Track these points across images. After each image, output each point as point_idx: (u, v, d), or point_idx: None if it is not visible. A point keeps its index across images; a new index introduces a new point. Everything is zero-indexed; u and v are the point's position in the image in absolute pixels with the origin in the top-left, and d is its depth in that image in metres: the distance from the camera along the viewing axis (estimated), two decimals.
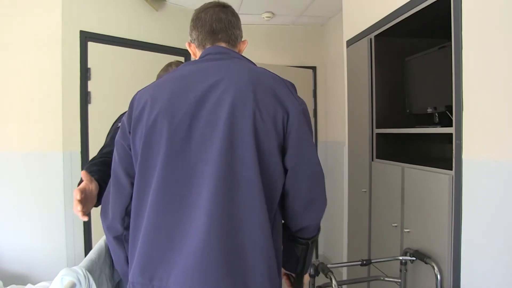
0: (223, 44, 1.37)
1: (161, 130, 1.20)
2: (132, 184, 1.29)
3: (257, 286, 1.18)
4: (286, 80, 1.31)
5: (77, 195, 1.34)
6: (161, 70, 2.12)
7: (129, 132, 1.27)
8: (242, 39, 1.46)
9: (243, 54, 1.43)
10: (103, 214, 1.38)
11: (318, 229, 1.41)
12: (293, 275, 1.50)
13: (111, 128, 1.94)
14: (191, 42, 1.43)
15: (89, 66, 3.20)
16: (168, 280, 1.19)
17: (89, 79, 3.20)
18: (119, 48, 3.40)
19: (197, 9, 1.42)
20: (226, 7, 1.41)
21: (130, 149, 1.28)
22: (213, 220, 1.15)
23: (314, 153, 1.29)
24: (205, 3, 1.42)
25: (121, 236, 1.36)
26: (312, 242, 1.40)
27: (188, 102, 1.21)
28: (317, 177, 1.30)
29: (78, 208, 1.32)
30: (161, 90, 1.26)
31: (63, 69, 3.04)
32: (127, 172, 1.30)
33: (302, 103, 1.28)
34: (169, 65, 2.09)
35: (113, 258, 1.47)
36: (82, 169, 3.01)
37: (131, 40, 3.48)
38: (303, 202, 1.30)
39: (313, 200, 1.31)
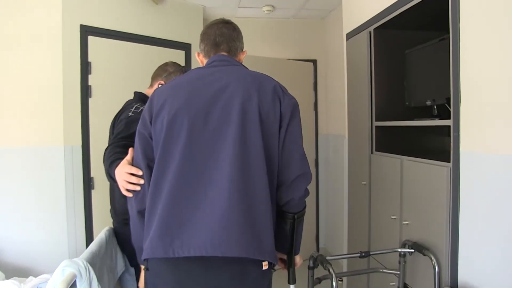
0: (224, 53, 1.65)
1: (182, 121, 1.46)
2: (147, 165, 1.53)
3: (268, 243, 1.45)
4: (277, 81, 1.61)
5: (138, 171, 1.54)
6: (159, 69, 2.34)
7: (150, 123, 1.52)
8: (243, 50, 1.73)
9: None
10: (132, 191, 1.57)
11: (303, 206, 1.63)
12: (285, 257, 1.70)
13: (120, 117, 2.13)
14: (200, 52, 1.71)
15: (89, 60, 3.20)
16: (191, 240, 1.39)
17: (90, 73, 3.21)
18: (120, 42, 3.40)
19: (205, 25, 1.72)
20: (228, 23, 1.69)
21: (150, 136, 1.53)
22: (233, 185, 1.41)
23: (300, 136, 1.58)
24: (212, 20, 1.73)
25: (144, 211, 1.52)
26: (297, 217, 1.60)
27: (204, 99, 1.49)
28: (303, 154, 1.57)
29: (141, 182, 1.53)
30: (179, 89, 1.54)
31: (64, 63, 3.06)
32: (145, 154, 1.53)
33: (292, 98, 1.58)
34: (166, 64, 2.35)
35: (133, 234, 1.61)
36: (83, 162, 3.02)
37: (132, 34, 3.48)
38: (293, 175, 1.54)
39: (301, 174, 1.55)
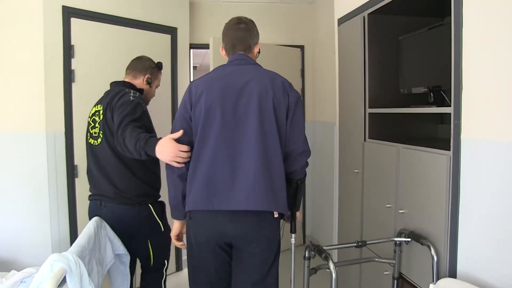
0: (241, 52, 2.08)
1: (216, 109, 1.91)
2: (187, 141, 1.96)
3: (282, 199, 1.95)
4: (284, 77, 2.04)
5: (185, 148, 1.94)
6: (141, 62, 2.63)
7: (191, 109, 1.96)
8: (256, 44, 2.12)
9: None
10: None
11: (304, 174, 2.13)
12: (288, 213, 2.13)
13: (118, 101, 2.31)
14: (223, 48, 2.14)
15: (72, 43, 3.05)
16: (228, 198, 1.87)
17: (73, 57, 3.06)
18: (104, 25, 3.25)
19: (225, 24, 2.13)
20: (243, 23, 2.10)
21: (190, 119, 1.96)
22: (258, 157, 1.88)
23: (303, 122, 2.07)
24: (230, 20, 2.14)
25: (183, 175, 1.98)
26: (300, 182, 2.10)
27: (232, 92, 1.94)
28: (305, 135, 2.05)
29: (189, 154, 1.96)
30: (213, 83, 1.97)
31: (45, 46, 2.91)
32: (185, 133, 1.96)
33: (296, 92, 2.03)
34: (147, 59, 2.69)
35: (171, 194, 2.03)
36: (67, 150, 2.89)
37: (117, 16, 3.33)
38: (296, 151, 2.01)
39: (303, 151, 2.04)
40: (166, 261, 2.64)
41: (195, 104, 1.94)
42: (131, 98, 2.30)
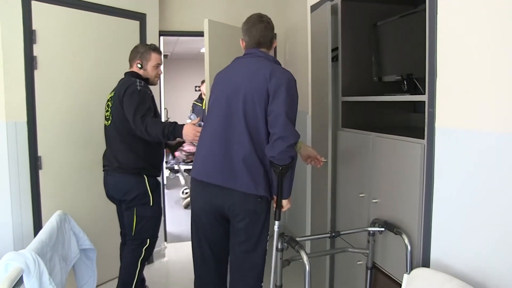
0: (256, 47, 2.28)
1: (215, 96, 2.28)
2: None
3: (243, 180, 2.11)
4: (274, 67, 2.18)
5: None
6: (132, 52, 2.90)
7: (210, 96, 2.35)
8: (274, 40, 2.35)
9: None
10: None
11: (288, 161, 2.08)
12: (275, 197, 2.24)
13: (126, 91, 2.67)
14: (244, 41, 2.35)
15: (34, 28, 2.89)
16: (197, 169, 2.25)
17: (35, 43, 2.91)
18: (68, 9, 3.09)
19: (247, 22, 2.33)
20: (263, 22, 2.28)
21: None
22: (219, 140, 2.17)
23: (285, 107, 2.05)
24: (250, 17, 2.34)
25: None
26: (282, 169, 2.09)
27: (224, 83, 2.25)
28: (285, 120, 2.04)
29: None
30: (219, 75, 2.33)
31: (3, 31, 2.74)
32: None
33: (280, 79, 2.11)
34: (137, 47, 2.95)
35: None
36: (29, 140, 2.74)
37: (81, 0, 3.17)
38: (274, 136, 2.05)
39: (280, 137, 2.03)
40: (148, 239, 2.85)
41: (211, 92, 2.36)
42: (138, 87, 2.68)
